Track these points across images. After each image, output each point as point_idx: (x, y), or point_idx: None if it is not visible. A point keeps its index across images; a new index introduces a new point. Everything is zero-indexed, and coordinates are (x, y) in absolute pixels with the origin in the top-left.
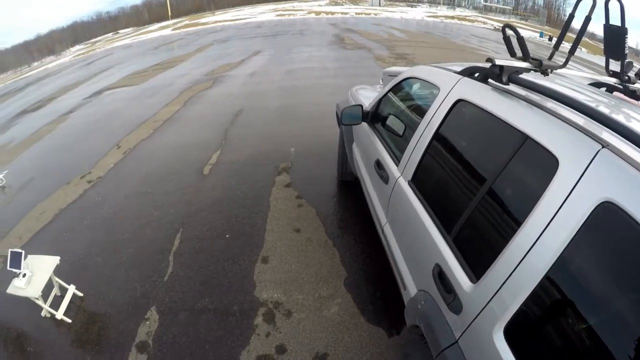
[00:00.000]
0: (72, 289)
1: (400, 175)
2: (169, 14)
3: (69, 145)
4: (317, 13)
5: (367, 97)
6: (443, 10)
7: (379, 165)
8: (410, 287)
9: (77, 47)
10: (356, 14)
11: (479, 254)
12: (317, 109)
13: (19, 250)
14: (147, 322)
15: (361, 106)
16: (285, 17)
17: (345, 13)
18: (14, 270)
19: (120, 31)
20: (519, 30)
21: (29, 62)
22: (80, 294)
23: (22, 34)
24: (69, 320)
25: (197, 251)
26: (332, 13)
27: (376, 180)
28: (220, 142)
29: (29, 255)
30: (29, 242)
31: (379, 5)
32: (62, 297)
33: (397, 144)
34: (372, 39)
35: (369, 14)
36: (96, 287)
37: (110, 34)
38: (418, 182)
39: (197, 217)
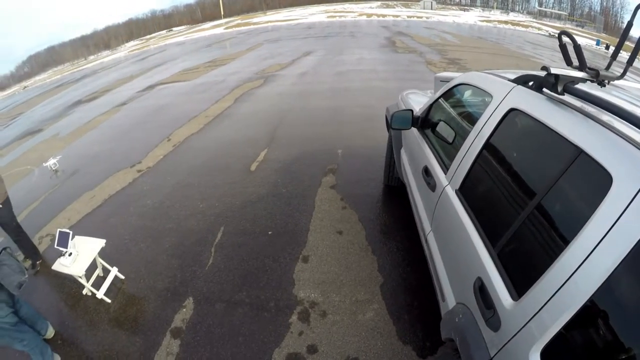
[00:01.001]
0: (114, 271)
1: (448, 184)
2: (222, 13)
3: (121, 135)
4: (369, 15)
5: (418, 102)
6: (496, 15)
7: (426, 172)
8: (449, 299)
9: (132, 42)
10: (408, 17)
11: (523, 270)
12: (366, 112)
13: (67, 230)
14: (184, 310)
15: (411, 111)
16: (336, 19)
17: (397, 16)
18: (61, 249)
19: (174, 29)
20: (575, 37)
21: (85, 55)
22: (122, 277)
23: (79, 30)
24: (109, 300)
25: (238, 245)
26: (384, 16)
27: (423, 187)
28: (268, 140)
29: (76, 236)
30: (77, 223)
31: (431, 9)
32: (104, 278)
33: (446, 152)
34: (424, 43)
35: (421, 17)
36: (138, 271)
37: (164, 31)
38: (466, 191)
39: (242, 212)
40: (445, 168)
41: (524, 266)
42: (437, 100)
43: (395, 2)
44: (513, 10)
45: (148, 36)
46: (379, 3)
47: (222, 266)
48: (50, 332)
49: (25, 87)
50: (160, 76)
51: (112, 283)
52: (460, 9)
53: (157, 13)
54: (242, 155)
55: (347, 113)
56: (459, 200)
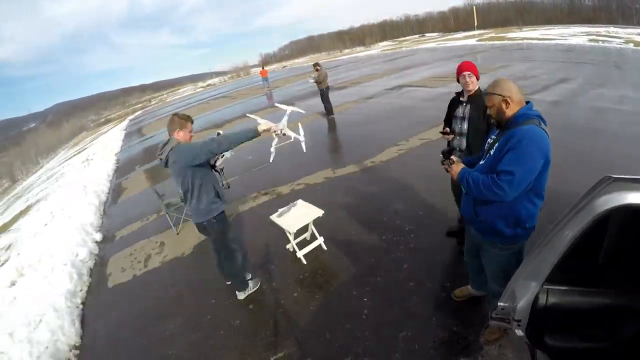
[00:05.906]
0: (320, 240)
1: None
2: (475, 24)
3: (362, 124)
4: (637, 44)
5: None
6: None
7: None
8: None
9: (385, 42)
10: None
11: None
12: (621, 163)
13: None
14: (365, 300)
15: None
16: (598, 44)
17: None
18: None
19: (427, 34)
20: None
21: (340, 48)
22: (325, 248)
23: (336, 24)
24: (305, 262)
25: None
26: None
27: None
28: None
29: (300, 201)
30: (302, 190)
31: None
32: (309, 242)
33: None
34: None
35: None
36: (340, 248)
37: (416, 36)
38: None
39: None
40: None
41: None
42: None
43: None
44: None
45: (401, 38)
46: None
47: (416, 272)
48: None
49: (284, 66)
50: (408, 78)
51: (314, 249)
52: None
53: (411, 17)
54: None
55: (599, 160)
56: None
